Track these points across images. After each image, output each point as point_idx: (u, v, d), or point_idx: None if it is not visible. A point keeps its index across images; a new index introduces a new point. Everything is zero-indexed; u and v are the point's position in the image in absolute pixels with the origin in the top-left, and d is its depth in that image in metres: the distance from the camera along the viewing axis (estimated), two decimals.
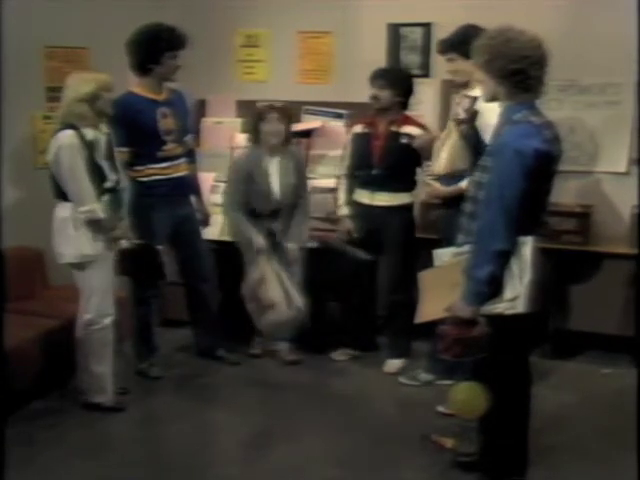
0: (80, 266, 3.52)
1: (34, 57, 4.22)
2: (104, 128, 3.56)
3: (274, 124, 4.11)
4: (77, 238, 3.47)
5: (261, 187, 4.17)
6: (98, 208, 3.45)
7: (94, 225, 3.47)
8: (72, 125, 3.41)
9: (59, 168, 3.42)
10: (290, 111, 4.24)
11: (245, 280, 4.13)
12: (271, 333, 4.26)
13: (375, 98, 4.04)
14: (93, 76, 3.51)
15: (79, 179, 3.42)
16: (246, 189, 4.18)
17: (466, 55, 3.44)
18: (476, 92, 3.50)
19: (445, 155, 3.61)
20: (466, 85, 3.68)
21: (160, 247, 3.81)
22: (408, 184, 4.15)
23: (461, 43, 3.53)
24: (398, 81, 4.04)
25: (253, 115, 4.24)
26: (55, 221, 3.52)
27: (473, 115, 3.25)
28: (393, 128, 4.06)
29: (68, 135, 3.40)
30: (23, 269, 4.08)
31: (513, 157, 2.55)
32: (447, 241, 3.18)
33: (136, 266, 3.69)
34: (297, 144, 4.53)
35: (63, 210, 3.49)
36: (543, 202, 2.73)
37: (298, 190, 4.24)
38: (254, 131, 4.20)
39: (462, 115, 3.33)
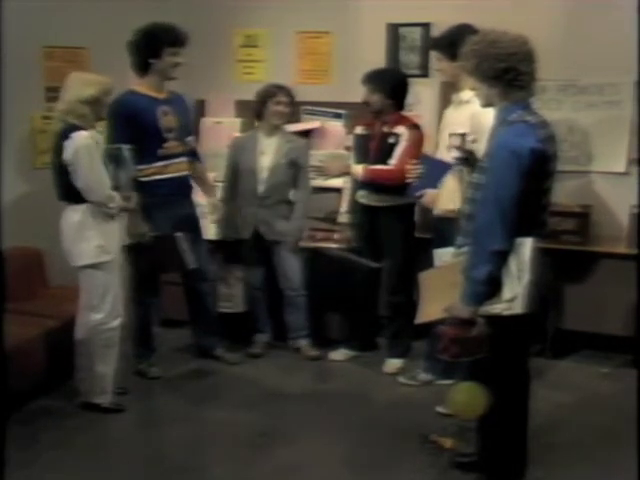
0: (98, 266, 3.51)
1: (34, 57, 4.22)
2: (100, 128, 3.58)
3: (281, 106, 4.24)
4: (96, 238, 3.48)
5: (249, 164, 4.27)
6: (115, 197, 3.50)
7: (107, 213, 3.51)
8: (77, 126, 3.42)
9: (78, 168, 3.41)
10: (293, 95, 4.34)
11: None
12: None
13: (366, 102, 4.07)
14: (95, 78, 3.51)
15: (98, 176, 3.44)
16: (237, 167, 4.34)
17: (451, 57, 3.44)
18: (465, 95, 3.51)
19: (443, 196, 3.53)
20: (454, 86, 3.67)
21: (179, 234, 3.84)
22: (403, 185, 4.14)
23: (447, 45, 3.52)
24: (387, 84, 4.02)
25: (261, 94, 4.29)
26: (68, 225, 3.50)
27: (468, 152, 3.08)
28: (385, 129, 4.06)
29: (84, 136, 3.41)
30: (23, 269, 4.08)
31: (509, 157, 2.55)
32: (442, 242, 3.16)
33: (158, 257, 3.74)
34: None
35: (76, 213, 3.48)
36: (543, 202, 2.73)
37: (292, 178, 4.28)
38: (259, 110, 4.29)
39: (457, 154, 3.15)
